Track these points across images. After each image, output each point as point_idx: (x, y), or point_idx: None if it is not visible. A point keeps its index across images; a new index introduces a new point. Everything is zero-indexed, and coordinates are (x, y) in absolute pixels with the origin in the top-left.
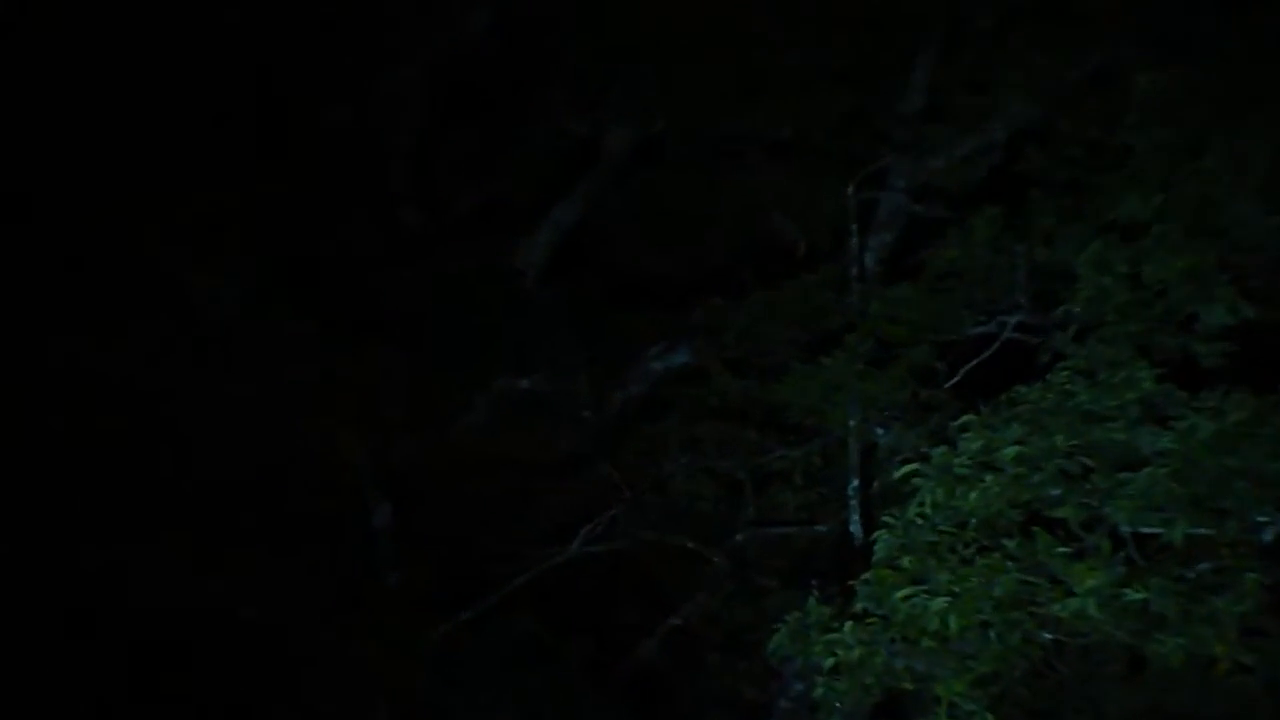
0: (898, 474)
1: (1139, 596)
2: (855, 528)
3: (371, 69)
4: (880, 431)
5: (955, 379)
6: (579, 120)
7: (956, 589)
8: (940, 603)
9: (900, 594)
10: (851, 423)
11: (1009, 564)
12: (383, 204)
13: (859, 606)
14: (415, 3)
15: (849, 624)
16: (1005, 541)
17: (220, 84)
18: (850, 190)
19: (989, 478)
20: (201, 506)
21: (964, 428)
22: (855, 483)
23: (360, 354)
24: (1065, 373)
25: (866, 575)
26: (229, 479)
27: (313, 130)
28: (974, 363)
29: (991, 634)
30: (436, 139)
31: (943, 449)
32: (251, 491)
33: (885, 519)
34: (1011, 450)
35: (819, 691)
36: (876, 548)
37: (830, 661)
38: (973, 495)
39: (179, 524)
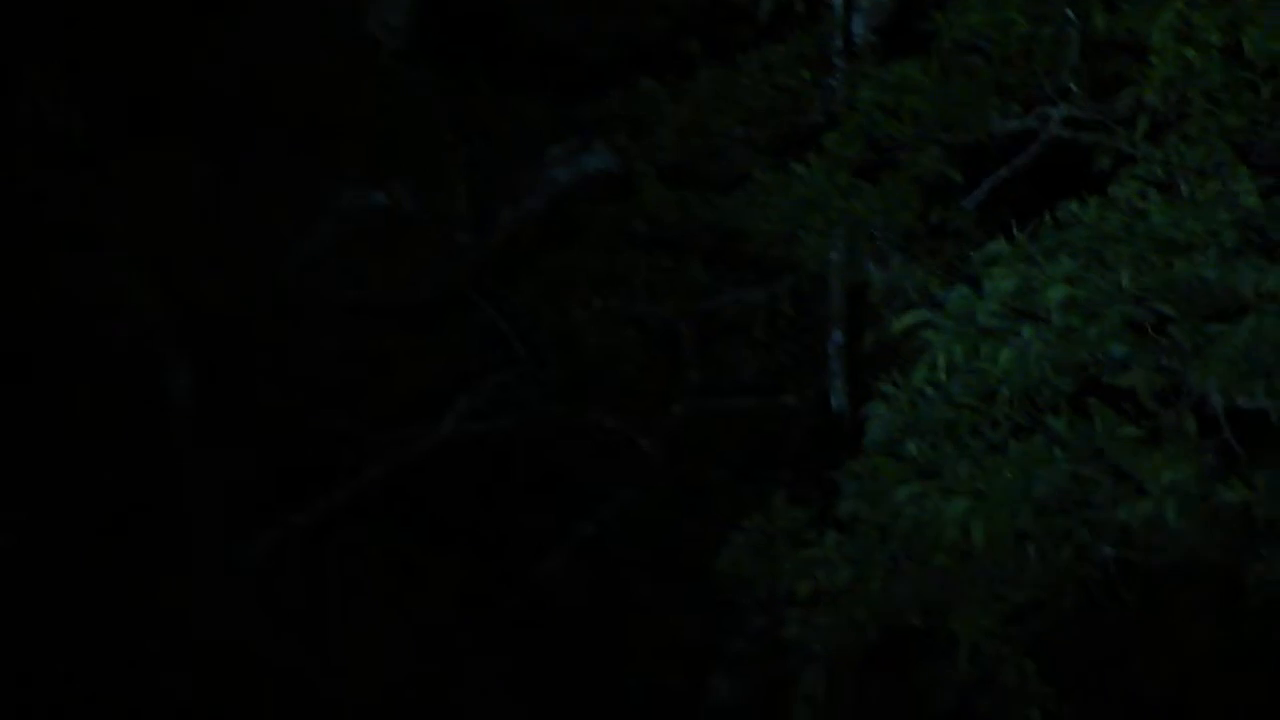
0: (898, 325)
1: (1236, 497)
2: (839, 399)
3: None
4: (874, 267)
5: (979, 193)
6: None
7: (982, 486)
8: (960, 505)
9: (904, 492)
10: (834, 254)
11: (1055, 451)
12: None
13: (845, 510)
14: None
15: (831, 535)
16: (1050, 419)
17: None
18: None
19: (1027, 330)
20: None
21: (993, 260)
22: (839, 337)
23: (144, 153)
24: (1134, 184)
25: (855, 464)
26: None
27: None
28: (1005, 170)
29: (1031, 549)
30: None
31: (962, 290)
32: None
33: (882, 387)
34: (1058, 291)
35: (792, 630)
36: (869, 427)
37: (806, 588)
38: (1004, 355)
39: None
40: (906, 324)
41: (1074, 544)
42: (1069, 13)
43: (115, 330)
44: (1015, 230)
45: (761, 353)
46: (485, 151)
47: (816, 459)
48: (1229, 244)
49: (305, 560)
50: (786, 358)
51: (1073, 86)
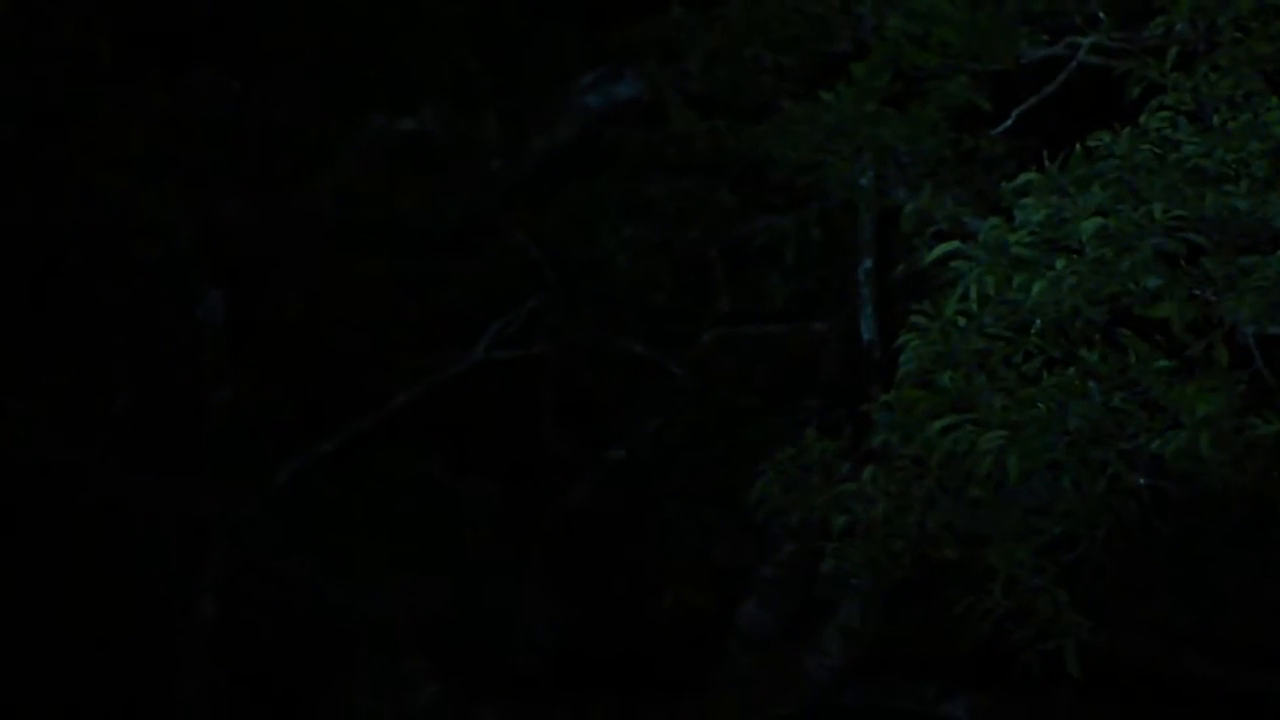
0: (930, 255)
1: (1270, 429)
2: (869, 329)
3: None
4: (904, 194)
5: (1008, 122)
6: None
7: (1016, 417)
8: (994, 437)
9: (937, 424)
10: (864, 181)
11: (1089, 383)
12: None
13: (878, 440)
14: None
15: (869, 469)
16: (1083, 351)
17: None
18: None
19: (1059, 261)
20: None
21: (1023, 191)
22: (869, 264)
23: (172, 77)
24: (1164, 114)
25: (888, 396)
26: None
27: None
28: (1034, 99)
29: (1065, 480)
30: None
31: (994, 220)
32: (17, 268)
33: (913, 318)
34: (1091, 223)
35: (828, 564)
36: (902, 358)
37: (841, 521)
38: (1037, 286)
39: None
40: (938, 253)
41: (1108, 475)
42: None
43: (144, 252)
44: (1046, 160)
45: (791, 279)
46: (515, 78)
47: (847, 388)
48: (1260, 174)
49: (333, 486)
50: (816, 284)
51: (1101, 14)
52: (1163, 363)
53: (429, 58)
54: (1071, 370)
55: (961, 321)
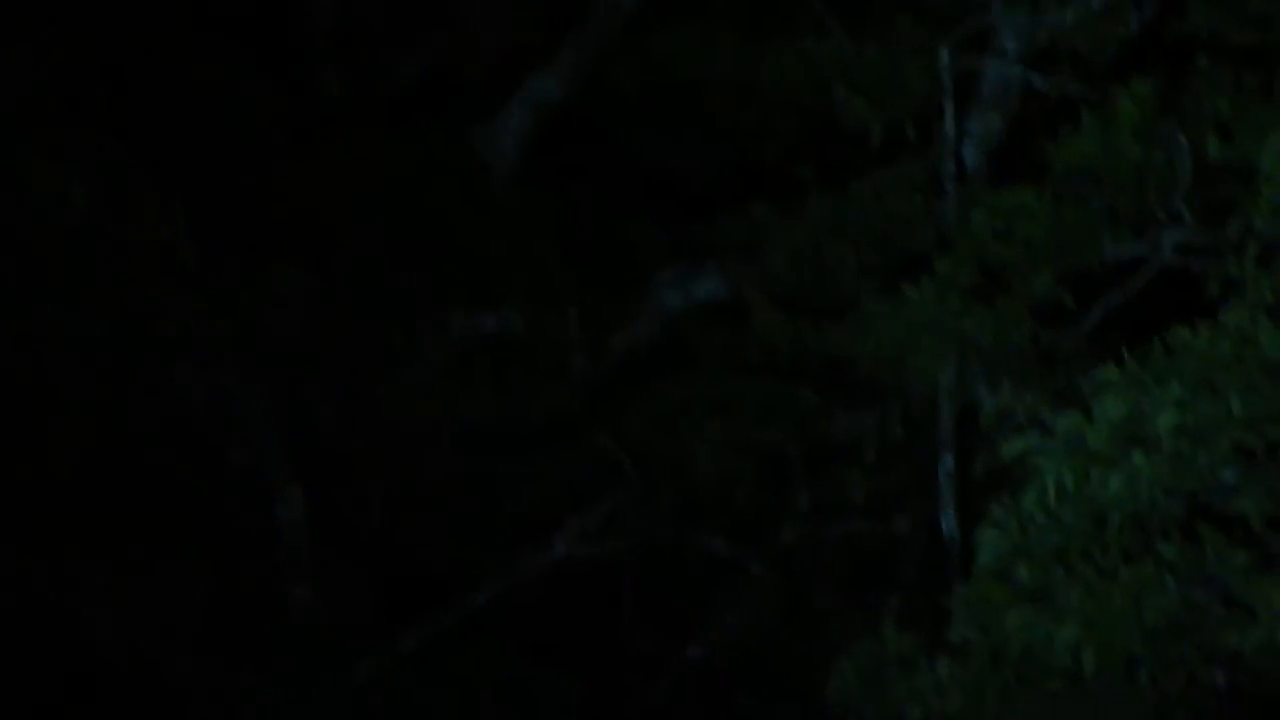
0: (1009, 450)
1: None
2: (949, 523)
3: None
4: (985, 391)
5: (1090, 319)
6: None
7: (1093, 611)
8: (1071, 631)
9: (1015, 617)
10: (944, 378)
11: (1166, 577)
12: (288, 66)
13: (956, 635)
14: None
15: (944, 661)
16: (1160, 545)
17: None
18: (944, 55)
19: (1137, 456)
20: (36, 483)
21: (1103, 386)
22: (949, 461)
23: (258, 278)
24: (1243, 310)
25: (966, 590)
26: (72, 445)
27: None
28: (1117, 296)
29: (1142, 675)
30: None
31: (1073, 415)
32: (105, 465)
33: (992, 512)
34: (1169, 418)
35: None
36: (980, 552)
37: (918, 714)
38: (1115, 480)
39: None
40: (1017, 449)
41: (1185, 670)
42: (1182, 139)
43: (228, 450)
44: (1125, 355)
45: (872, 476)
46: (596, 276)
47: (927, 583)
48: None
49: (414, 684)
50: (897, 482)
51: (1184, 212)
52: (1241, 557)
53: (510, 255)
54: (1149, 564)
55: (1039, 516)
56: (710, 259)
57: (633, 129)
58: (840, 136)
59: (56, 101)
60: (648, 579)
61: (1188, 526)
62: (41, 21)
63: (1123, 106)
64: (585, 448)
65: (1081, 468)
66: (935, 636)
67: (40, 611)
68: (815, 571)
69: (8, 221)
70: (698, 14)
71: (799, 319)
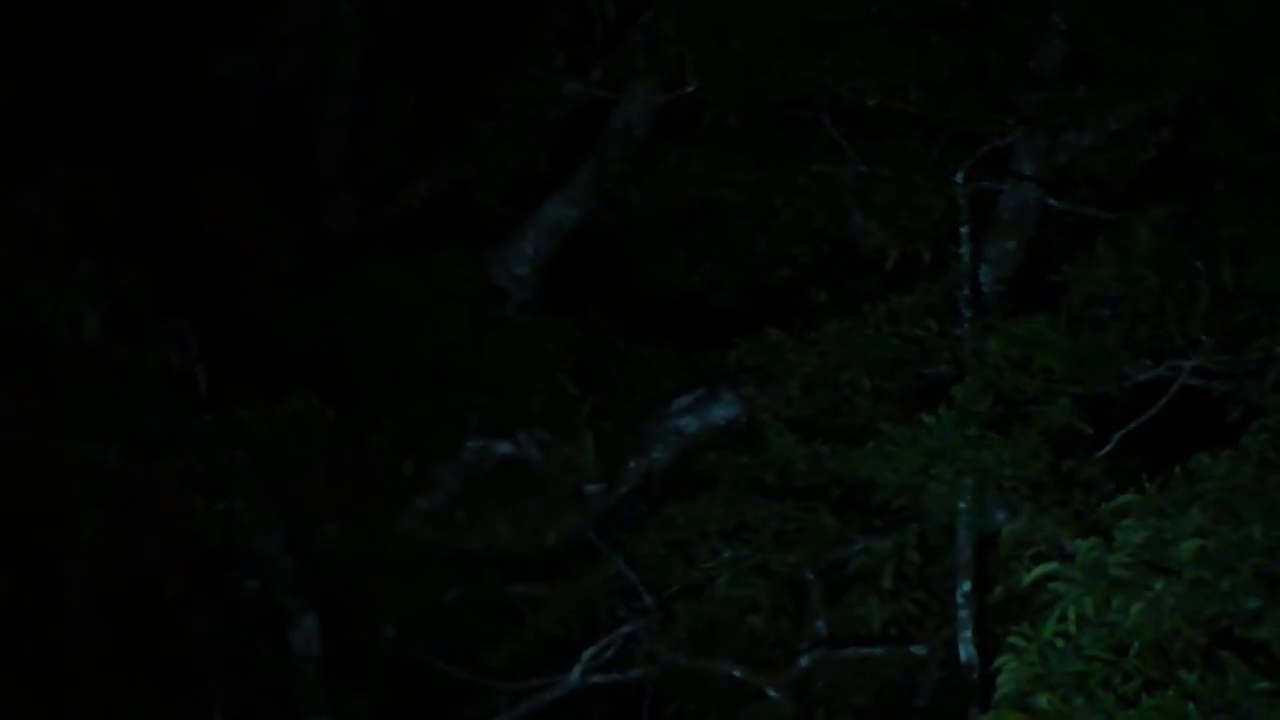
0: (1029, 576)
1: None
2: (967, 650)
3: (285, 6)
4: (1003, 516)
5: (1109, 446)
6: (579, 79)
7: None
8: None
9: None
10: (962, 504)
11: (1189, 705)
12: (300, 192)
13: None
14: None
15: None
16: (1182, 673)
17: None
18: (960, 178)
19: (1159, 583)
20: (47, 612)
21: (1123, 512)
22: (967, 587)
23: (269, 404)
24: (1265, 436)
25: (985, 718)
26: (84, 573)
27: (200, 88)
28: (1136, 423)
29: None
30: (378, 102)
31: (1093, 541)
32: (117, 594)
33: (1011, 639)
34: (1191, 545)
35: None
36: (1000, 680)
37: None
38: (1135, 607)
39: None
40: (1037, 575)
41: None
42: (1199, 265)
43: (242, 577)
44: (1145, 481)
45: (889, 603)
46: (612, 400)
47: (945, 710)
48: None
49: None
50: (914, 608)
51: (1203, 338)
52: (1263, 685)
53: (525, 380)
54: (1171, 692)
55: (1060, 643)
56: (726, 383)
57: (648, 252)
58: (856, 260)
59: (70, 227)
60: (665, 704)
61: (1210, 654)
62: (57, 148)
63: (1139, 233)
64: (601, 573)
65: (1102, 594)
66: None
67: None
68: (833, 697)
69: (21, 348)
70: (712, 137)
71: (815, 444)
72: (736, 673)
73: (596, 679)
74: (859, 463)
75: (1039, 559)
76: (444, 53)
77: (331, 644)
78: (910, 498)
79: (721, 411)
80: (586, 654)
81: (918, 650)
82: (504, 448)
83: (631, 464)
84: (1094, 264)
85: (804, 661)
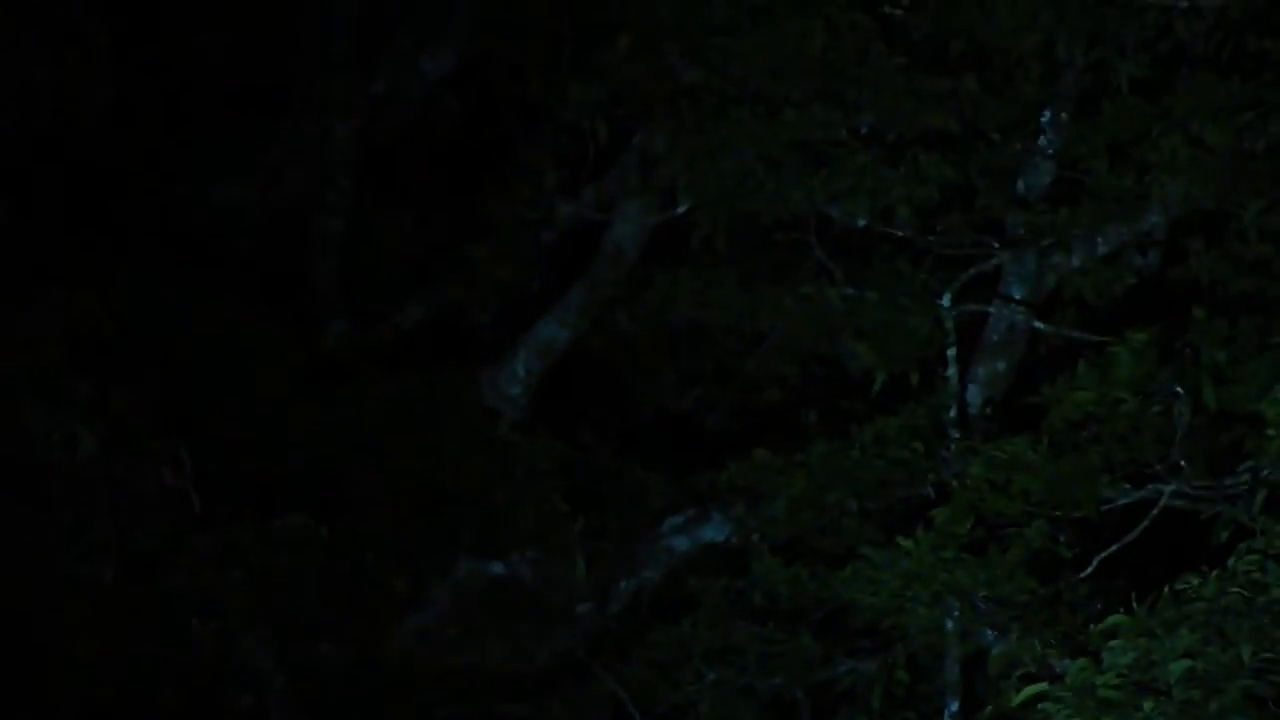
0: (1018, 697)
1: None
2: None
3: (279, 128)
4: (991, 636)
5: (1089, 569)
6: (572, 199)
7: None
8: None
9: None
10: (949, 624)
11: None
12: (295, 313)
13: None
14: (344, 40)
15: None
16: None
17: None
18: (948, 301)
19: (1148, 704)
20: None
21: (1111, 633)
22: (955, 707)
23: (262, 526)
24: (1252, 557)
25: None
26: (77, 692)
27: (198, 210)
28: (1117, 546)
29: None
30: (371, 225)
31: (1082, 662)
32: (110, 712)
33: None
34: (1179, 665)
35: None
36: None
37: None
38: None
39: None
40: (1026, 696)
41: None
42: (1178, 389)
43: (239, 697)
44: (1134, 602)
45: None
46: (603, 520)
47: None
48: None
49: None
50: None
51: (1182, 463)
52: None
53: (517, 500)
54: None
55: None
56: (717, 504)
57: (639, 372)
58: (845, 381)
59: (63, 346)
60: None
61: None
62: (54, 269)
63: (1120, 356)
64: (590, 692)
65: (1092, 715)
66: None
67: None
68: None
69: (13, 466)
70: (700, 258)
71: (799, 566)
72: None
73: None
74: (841, 585)
75: (1028, 679)
76: (438, 174)
77: None
78: (894, 619)
79: (712, 532)
80: None
81: None
82: (496, 567)
83: (623, 583)
84: (1074, 386)
85: None
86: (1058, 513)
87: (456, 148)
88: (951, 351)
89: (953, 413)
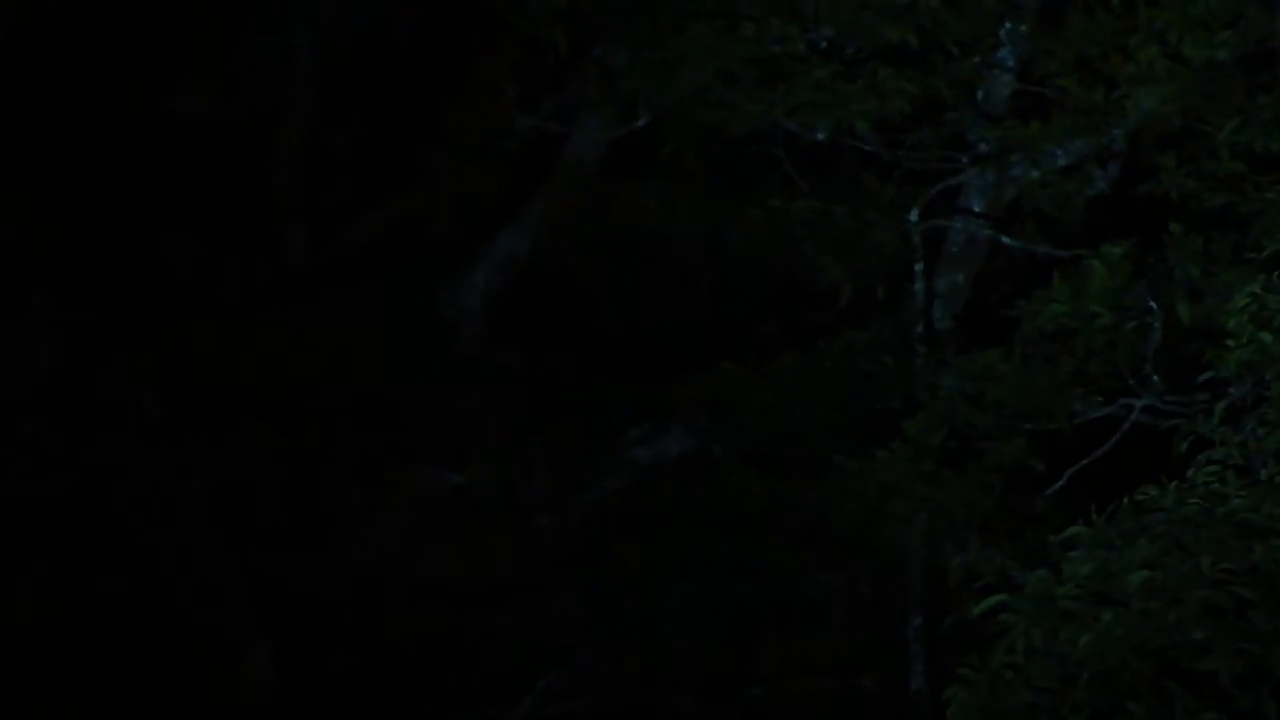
0: (978, 608)
1: None
2: (918, 681)
3: (239, 41)
4: (952, 549)
5: (1060, 483)
6: (530, 114)
7: None
8: None
9: None
10: (914, 537)
11: None
12: (253, 224)
13: None
14: None
15: None
16: (1130, 704)
17: None
18: (913, 214)
19: (1107, 614)
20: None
21: (1071, 544)
22: (918, 620)
23: (222, 437)
24: (1212, 468)
25: None
26: (35, 604)
27: (153, 122)
28: (1088, 459)
29: None
30: (329, 138)
31: (1041, 573)
32: (69, 624)
33: (961, 671)
34: (1138, 576)
35: None
36: (949, 711)
37: None
38: (1084, 638)
39: None
40: (985, 607)
41: None
42: (1153, 304)
43: (194, 607)
44: (1094, 514)
45: (840, 635)
46: (565, 433)
47: None
48: None
49: None
50: (864, 640)
51: (1155, 378)
52: (1210, 716)
53: (478, 412)
54: None
55: (1009, 674)
56: (679, 415)
57: (601, 285)
58: (810, 295)
59: (23, 261)
60: None
61: (1157, 685)
62: (9, 175)
63: (1095, 269)
64: (553, 605)
65: (1050, 626)
66: None
67: None
68: None
69: None
70: (666, 171)
71: (768, 477)
72: (688, 704)
73: (547, 710)
74: (813, 497)
75: (988, 591)
76: (397, 86)
77: (284, 674)
78: (864, 532)
79: (675, 444)
80: (538, 686)
81: (867, 683)
82: (457, 478)
83: (584, 496)
84: (1048, 300)
85: (755, 693)
86: (1029, 425)
87: (416, 60)
88: (919, 266)
89: (920, 326)
